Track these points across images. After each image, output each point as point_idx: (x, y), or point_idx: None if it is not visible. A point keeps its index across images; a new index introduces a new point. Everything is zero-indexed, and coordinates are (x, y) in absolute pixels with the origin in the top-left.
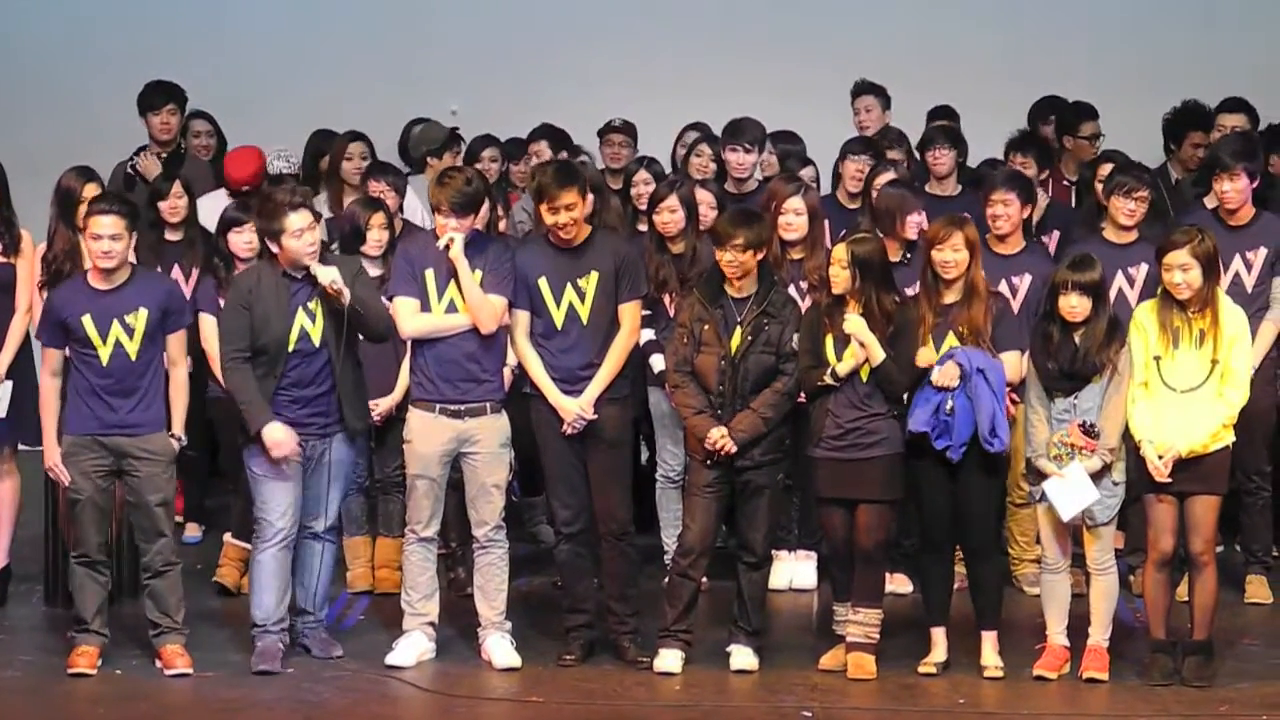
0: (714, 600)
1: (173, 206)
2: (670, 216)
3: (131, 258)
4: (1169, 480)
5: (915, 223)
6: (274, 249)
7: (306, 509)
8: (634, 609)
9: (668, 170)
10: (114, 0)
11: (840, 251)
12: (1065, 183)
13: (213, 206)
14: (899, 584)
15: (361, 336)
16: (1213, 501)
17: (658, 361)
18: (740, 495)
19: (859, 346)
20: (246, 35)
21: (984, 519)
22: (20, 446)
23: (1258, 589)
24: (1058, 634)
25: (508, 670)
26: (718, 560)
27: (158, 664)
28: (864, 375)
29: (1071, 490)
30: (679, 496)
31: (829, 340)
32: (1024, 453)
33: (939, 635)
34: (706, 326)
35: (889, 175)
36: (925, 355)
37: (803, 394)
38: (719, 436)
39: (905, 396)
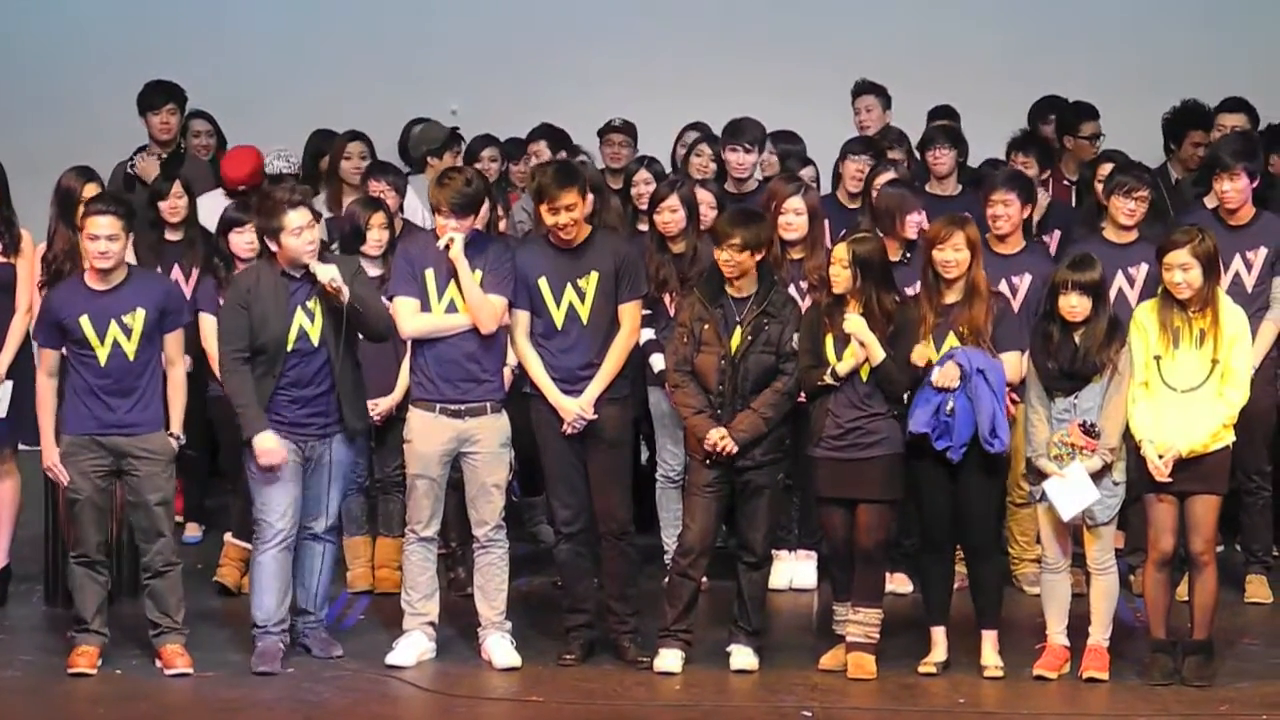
0: (714, 600)
1: (173, 206)
2: (671, 216)
3: (130, 258)
4: (1169, 480)
5: (915, 222)
6: (273, 247)
7: (306, 510)
8: (634, 609)
9: (668, 170)
10: (114, 0)
11: (841, 251)
12: (1065, 182)
13: (210, 206)
14: (899, 584)
15: (361, 336)
16: (1213, 501)
17: (658, 361)
18: (740, 495)
19: (859, 346)
20: (246, 35)
21: (984, 519)
22: (20, 446)
23: (1258, 589)
24: (1058, 634)
25: (508, 670)
26: (718, 560)
27: (158, 664)
28: (864, 375)
29: (1072, 490)
30: (679, 496)
31: (829, 340)
32: (1024, 452)
33: (939, 635)
34: (706, 326)
35: (889, 175)
36: (920, 351)
37: (803, 394)
38: (719, 438)
39: (905, 396)
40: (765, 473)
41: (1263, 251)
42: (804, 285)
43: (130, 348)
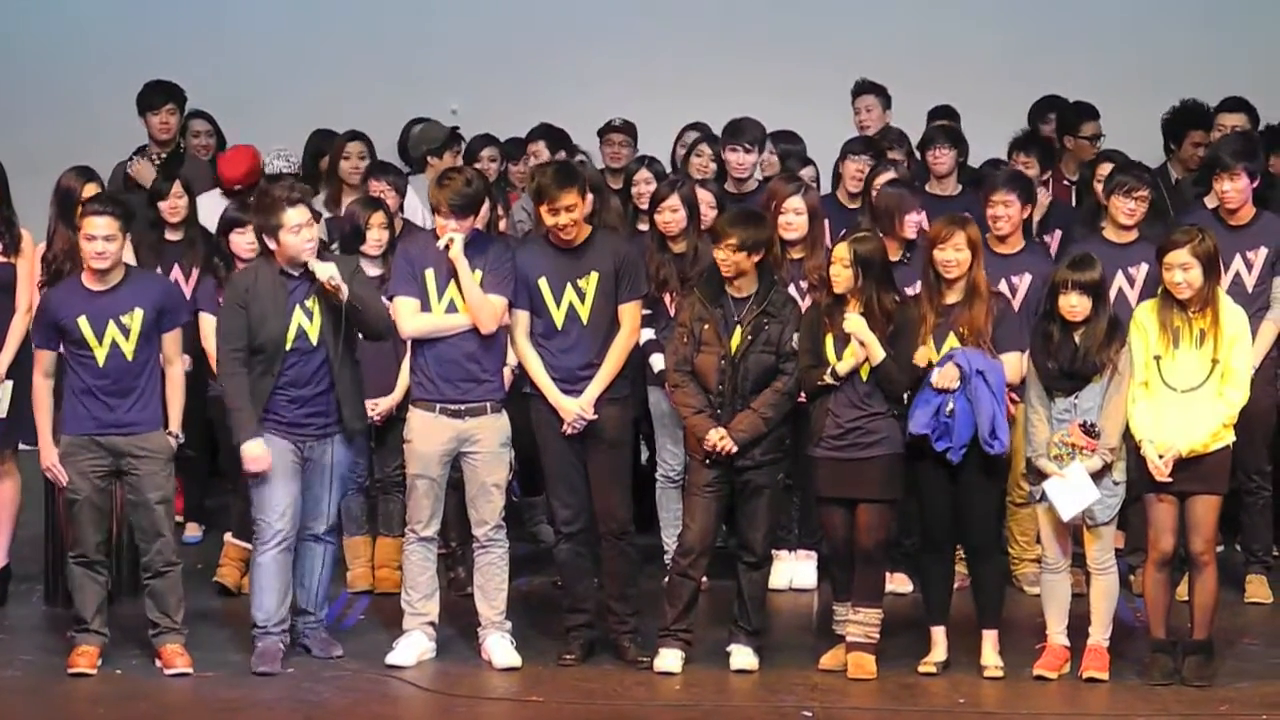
0: (714, 600)
1: (173, 206)
2: (672, 216)
3: (129, 258)
4: (1169, 480)
5: (914, 222)
6: (271, 245)
7: (306, 510)
8: (634, 609)
9: (668, 170)
10: (114, 0)
11: (842, 250)
12: (1066, 182)
13: (209, 206)
14: (899, 584)
15: (361, 335)
16: (1213, 501)
17: (658, 361)
18: (740, 495)
19: (859, 346)
20: (246, 35)
21: (984, 519)
22: (21, 446)
23: (1258, 589)
24: (1058, 634)
25: (508, 670)
26: (718, 560)
27: (158, 664)
28: (864, 374)
29: (1072, 490)
30: (679, 496)
31: (829, 340)
32: (1024, 452)
33: (939, 635)
34: (706, 326)
35: (889, 175)
36: (923, 353)
37: (803, 393)
38: (718, 438)
39: (905, 396)
40: (765, 473)
41: (1263, 251)
42: (804, 285)
43: (128, 348)
